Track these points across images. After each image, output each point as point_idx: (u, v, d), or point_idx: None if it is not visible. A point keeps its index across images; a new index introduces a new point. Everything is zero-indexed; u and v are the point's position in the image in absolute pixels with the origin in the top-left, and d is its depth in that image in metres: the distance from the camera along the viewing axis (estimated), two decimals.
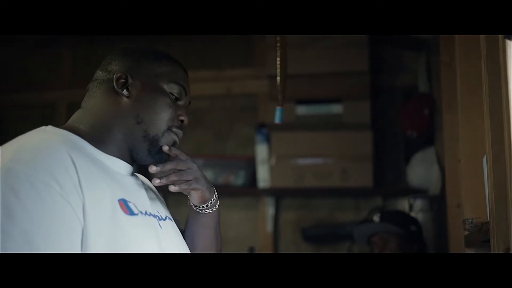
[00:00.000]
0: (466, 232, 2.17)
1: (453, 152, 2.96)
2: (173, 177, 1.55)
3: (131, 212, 1.44)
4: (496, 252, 1.68)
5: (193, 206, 1.66)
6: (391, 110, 3.83)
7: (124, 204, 1.44)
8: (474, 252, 2.18)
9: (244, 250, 3.59)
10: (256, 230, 3.94)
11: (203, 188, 1.60)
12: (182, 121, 1.60)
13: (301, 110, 3.73)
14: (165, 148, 1.56)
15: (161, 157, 1.56)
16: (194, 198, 1.63)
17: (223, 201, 4.03)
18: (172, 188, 1.55)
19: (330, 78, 3.70)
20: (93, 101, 1.56)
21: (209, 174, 3.85)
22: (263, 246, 3.86)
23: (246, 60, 4.03)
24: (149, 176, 1.63)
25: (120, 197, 1.44)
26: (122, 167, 1.54)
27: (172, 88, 1.59)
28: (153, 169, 1.53)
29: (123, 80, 1.55)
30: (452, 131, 2.90)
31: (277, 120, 2.58)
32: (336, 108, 3.70)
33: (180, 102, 1.61)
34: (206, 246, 1.69)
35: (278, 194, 3.88)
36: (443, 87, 2.97)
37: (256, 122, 3.93)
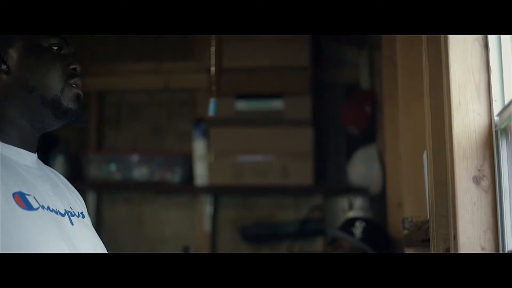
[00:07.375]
0: (406, 231, 2.11)
1: (394, 149, 2.91)
2: None
3: (29, 207, 1.33)
4: (436, 252, 1.62)
5: None
6: (333, 106, 3.75)
7: (21, 198, 1.33)
8: (414, 251, 2.12)
9: (179, 249, 3.47)
10: (193, 229, 3.81)
11: None
12: (74, 69, 1.47)
13: (241, 105, 3.62)
14: None
15: (71, 117, 1.45)
16: None
17: (159, 199, 3.91)
18: None
19: (271, 73, 3.60)
20: None
21: (144, 170, 3.72)
22: (200, 246, 3.74)
23: (185, 53, 3.91)
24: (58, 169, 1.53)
25: (17, 190, 1.34)
26: (23, 157, 1.44)
27: (50, 41, 1.46)
28: None
29: None
30: (393, 127, 2.84)
31: (211, 112, 2.49)
32: (276, 103, 3.61)
33: (64, 51, 1.48)
34: None
35: (216, 191, 3.76)
36: (385, 82, 2.92)
37: (194, 117, 3.82)
